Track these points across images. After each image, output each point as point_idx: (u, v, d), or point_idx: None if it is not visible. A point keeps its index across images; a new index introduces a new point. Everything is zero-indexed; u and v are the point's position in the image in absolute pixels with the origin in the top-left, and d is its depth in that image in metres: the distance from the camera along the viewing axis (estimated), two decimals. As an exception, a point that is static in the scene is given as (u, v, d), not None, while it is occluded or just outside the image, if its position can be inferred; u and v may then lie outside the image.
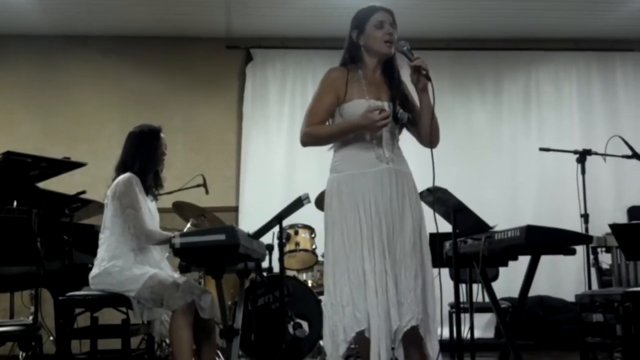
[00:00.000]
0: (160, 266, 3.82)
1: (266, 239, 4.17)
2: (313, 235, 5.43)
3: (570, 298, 5.69)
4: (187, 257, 3.51)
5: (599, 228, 4.97)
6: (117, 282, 3.63)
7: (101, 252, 3.73)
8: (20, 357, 4.81)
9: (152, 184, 3.90)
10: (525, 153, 6.79)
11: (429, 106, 2.85)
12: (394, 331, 2.70)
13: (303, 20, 6.67)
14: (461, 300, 4.02)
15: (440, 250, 4.06)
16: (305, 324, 4.54)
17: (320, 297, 4.96)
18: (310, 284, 5.15)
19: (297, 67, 6.97)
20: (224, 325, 3.72)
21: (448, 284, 4.28)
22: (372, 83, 2.94)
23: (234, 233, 3.37)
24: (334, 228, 2.86)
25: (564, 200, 6.26)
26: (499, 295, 4.14)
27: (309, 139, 2.93)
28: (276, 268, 4.72)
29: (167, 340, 4.58)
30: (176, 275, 3.78)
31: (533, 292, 4.69)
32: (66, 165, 4.83)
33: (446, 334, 4.76)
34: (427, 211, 3.37)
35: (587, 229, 4.78)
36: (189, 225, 4.85)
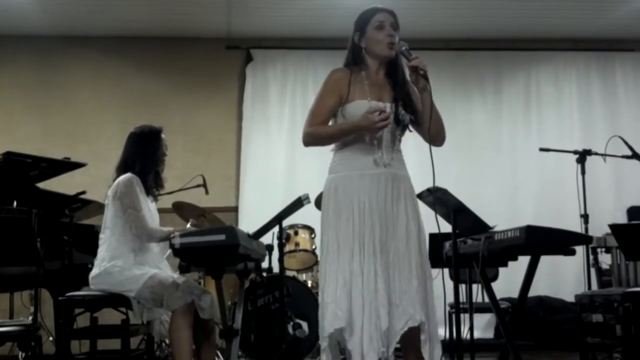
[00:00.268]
0: (160, 266, 3.82)
1: (266, 239, 4.17)
2: (313, 236, 5.43)
3: (570, 298, 5.69)
4: (187, 257, 3.51)
5: (598, 228, 4.97)
6: (118, 282, 3.63)
7: (101, 252, 3.73)
8: (19, 357, 4.81)
9: (152, 184, 3.90)
10: (525, 153, 6.79)
11: (429, 105, 2.85)
12: (383, 331, 2.71)
13: (303, 20, 6.67)
14: (461, 300, 4.02)
15: (439, 251, 4.06)
16: (305, 324, 4.54)
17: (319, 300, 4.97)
18: (310, 285, 5.15)
19: (297, 68, 6.97)
20: (224, 326, 3.72)
21: (448, 284, 4.28)
22: (374, 84, 2.94)
23: (234, 233, 3.37)
24: (328, 228, 2.90)
25: (563, 201, 6.25)
26: (498, 295, 4.14)
27: (311, 139, 2.94)
28: (276, 268, 4.73)
29: (167, 341, 4.58)
30: (176, 275, 3.78)
31: (533, 292, 4.68)
32: (66, 166, 4.84)
33: (446, 334, 4.76)
34: (428, 212, 3.38)
35: (586, 229, 4.78)
36: (188, 225, 4.85)
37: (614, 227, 3.73)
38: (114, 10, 6.40)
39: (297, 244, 5.36)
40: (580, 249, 4.17)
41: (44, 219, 4.19)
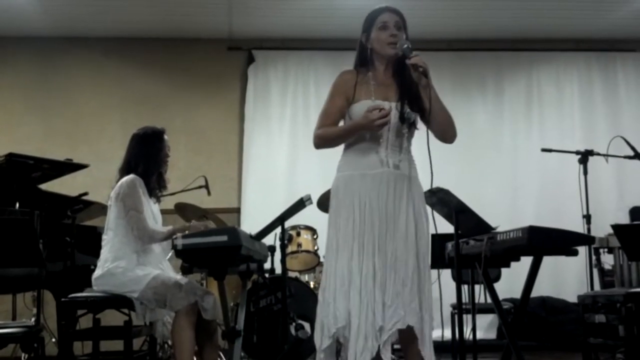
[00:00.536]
0: (162, 267, 3.83)
1: (268, 240, 4.17)
2: (315, 237, 5.43)
3: (573, 299, 5.68)
4: (189, 258, 3.51)
5: (601, 229, 4.97)
6: (121, 283, 3.64)
7: (104, 253, 3.74)
8: (22, 358, 4.81)
9: (155, 185, 3.91)
10: (527, 153, 6.79)
11: (433, 102, 2.84)
12: (376, 331, 2.72)
13: (304, 21, 6.68)
14: (463, 301, 4.02)
15: (441, 252, 4.06)
16: (307, 325, 4.53)
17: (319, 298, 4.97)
18: (312, 285, 5.15)
19: (298, 68, 6.98)
20: (226, 327, 3.72)
21: (450, 285, 4.30)
22: (381, 84, 2.95)
23: (236, 234, 3.37)
24: (330, 227, 2.92)
25: (565, 201, 6.25)
26: (501, 296, 4.14)
27: (320, 141, 2.97)
28: (278, 269, 4.73)
29: (170, 342, 4.58)
30: (178, 276, 3.78)
31: (535, 292, 4.68)
32: (68, 167, 4.83)
33: (448, 334, 4.76)
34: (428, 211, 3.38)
35: (589, 230, 4.77)
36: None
37: (617, 228, 3.73)
38: (115, 11, 6.40)
39: (299, 245, 5.35)
40: (582, 250, 4.17)
41: (46, 221, 4.19)
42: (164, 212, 4.08)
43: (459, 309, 4.09)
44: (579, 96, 7.08)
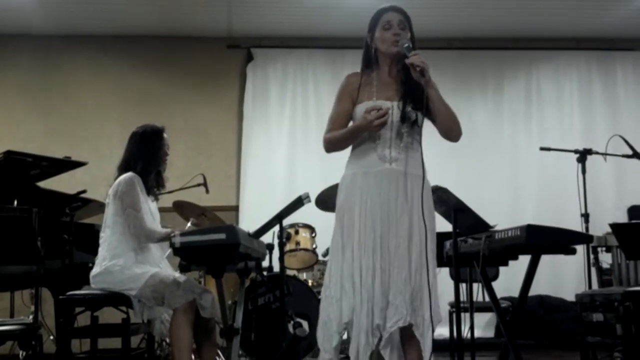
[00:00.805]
0: (160, 265, 3.83)
1: (266, 238, 4.17)
2: (313, 235, 5.43)
3: (571, 297, 5.68)
4: (188, 256, 3.51)
5: (599, 227, 4.98)
6: (118, 281, 3.64)
7: (102, 251, 3.73)
8: (20, 356, 4.81)
9: (153, 184, 3.91)
10: (526, 152, 6.79)
11: (434, 101, 2.85)
12: (374, 327, 2.73)
13: (304, 19, 6.67)
14: (461, 299, 4.02)
15: (440, 250, 4.06)
16: (305, 323, 4.53)
17: (320, 297, 4.96)
18: (310, 284, 5.15)
19: (297, 67, 6.98)
20: (224, 325, 3.72)
21: (448, 283, 4.30)
22: (384, 84, 2.96)
23: (234, 232, 3.37)
24: (335, 224, 2.94)
25: (564, 200, 6.25)
26: (499, 294, 4.14)
27: (328, 145, 3.01)
28: (276, 267, 4.72)
29: (168, 340, 4.58)
30: (176, 274, 3.78)
31: (533, 291, 4.69)
32: (67, 165, 4.84)
33: (446, 333, 4.76)
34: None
35: (587, 229, 4.77)
36: (189, 224, 4.85)
37: (615, 226, 3.73)
38: (115, 9, 6.40)
39: (297, 243, 5.35)
40: (580, 248, 4.17)
41: (44, 218, 4.19)
42: (162, 210, 4.08)
43: (457, 308, 4.09)
44: (579, 95, 7.08)
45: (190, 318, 3.57)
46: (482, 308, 4.50)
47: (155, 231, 3.76)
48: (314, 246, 5.39)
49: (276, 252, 4.35)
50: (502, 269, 5.00)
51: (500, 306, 4.02)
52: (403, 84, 2.94)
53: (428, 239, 2.80)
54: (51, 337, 5.04)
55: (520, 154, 6.91)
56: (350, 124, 2.99)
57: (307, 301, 4.77)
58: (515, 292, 4.15)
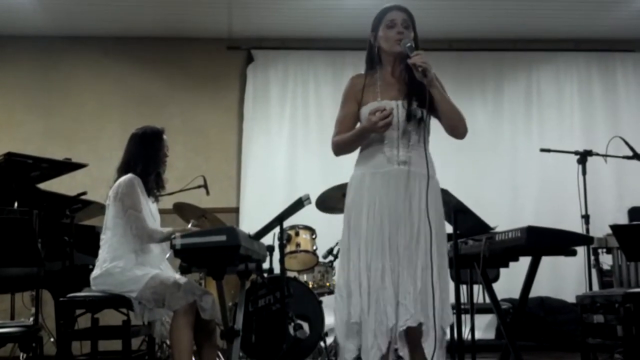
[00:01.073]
0: (161, 267, 3.83)
1: (267, 240, 4.17)
2: (314, 236, 5.42)
3: (571, 299, 5.68)
4: (188, 258, 3.51)
5: (599, 229, 4.98)
6: (119, 283, 3.64)
7: (103, 253, 3.73)
8: (20, 358, 4.80)
9: (153, 185, 3.91)
10: (526, 153, 6.79)
11: (438, 99, 2.85)
12: (390, 328, 2.73)
13: (304, 21, 6.67)
14: (462, 301, 4.01)
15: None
16: (305, 325, 4.54)
17: (321, 298, 4.97)
18: (311, 285, 5.15)
19: (298, 68, 6.97)
20: (225, 326, 3.72)
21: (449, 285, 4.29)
22: (388, 84, 2.96)
23: (235, 234, 3.37)
24: (344, 225, 2.94)
25: (564, 201, 6.25)
26: (499, 296, 4.14)
27: (336, 148, 3.00)
28: (277, 269, 4.72)
29: (168, 342, 4.58)
30: (177, 276, 3.78)
31: (534, 293, 4.68)
32: (67, 166, 4.84)
33: (447, 335, 4.75)
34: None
35: (587, 230, 4.77)
36: (189, 226, 4.85)
37: (615, 228, 3.73)
38: (115, 11, 6.40)
39: (298, 245, 5.34)
40: (581, 250, 4.17)
41: (44, 220, 4.19)
42: (162, 211, 4.08)
43: (457, 309, 4.08)
44: (579, 96, 7.08)
45: (191, 320, 3.57)
46: (483, 310, 4.49)
47: (157, 231, 3.76)
48: (314, 248, 5.38)
49: (276, 254, 4.35)
50: (502, 270, 4.98)
51: (500, 308, 4.02)
52: (407, 83, 2.93)
53: (433, 238, 2.79)
54: (52, 339, 5.04)
55: (520, 155, 6.91)
56: (358, 125, 2.99)
57: (307, 303, 4.77)
58: (515, 294, 4.15)
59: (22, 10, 6.28)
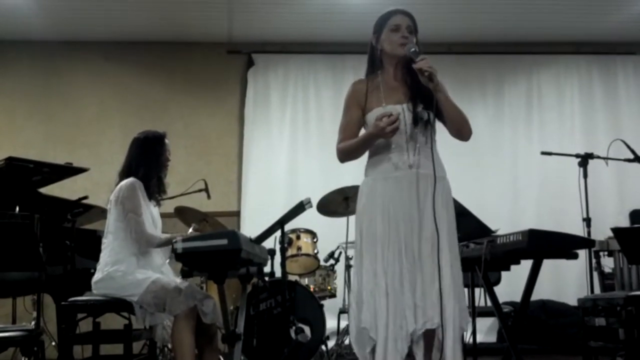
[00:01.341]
0: (162, 271, 3.83)
1: (268, 243, 4.16)
2: (315, 240, 5.42)
3: (573, 302, 5.67)
4: (189, 262, 3.51)
5: (601, 232, 4.96)
6: (120, 287, 3.63)
7: (104, 256, 3.73)
8: (22, 362, 4.80)
9: (155, 189, 3.91)
10: (527, 157, 6.79)
11: (444, 103, 2.85)
12: (410, 332, 2.73)
13: (304, 25, 6.68)
14: (464, 304, 4.01)
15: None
16: (307, 329, 4.53)
17: (322, 302, 4.97)
18: (312, 289, 5.15)
19: (298, 72, 6.98)
20: (226, 330, 3.71)
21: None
22: (391, 88, 2.96)
23: (236, 238, 3.37)
24: (355, 231, 2.95)
25: (566, 204, 6.25)
26: (501, 299, 4.14)
27: (342, 155, 3.00)
28: (278, 273, 4.72)
29: (169, 346, 4.57)
30: (178, 280, 3.78)
31: (535, 296, 4.67)
32: (68, 171, 4.84)
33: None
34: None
35: (589, 233, 4.77)
36: (190, 230, 4.85)
37: (617, 231, 3.72)
38: (116, 16, 6.41)
39: (299, 248, 5.35)
40: (582, 253, 4.16)
41: (46, 224, 4.19)
42: (164, 215, 4.08)
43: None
44: (579, 99, 7.08)
45: (192, 324, 3.56)
46: (484, 313, 4.50)
47: (156, 236, 3.76)
48: (315, 251, 5.38)
49: (278, 258, 4.35)
50: (504, 273, 4.98)
51: (502, 311, 4.02)
52: (410, 86, 2.93)
53: (444, 239, 2.80)
54: (53, 343, 5.04)
55: (521, 158, 6.91)
56: (362, 131, 2.99)
57: (309, 307, 4.77)
58: (517, 297, 4.14)
59: (23, 15, 6.29)
